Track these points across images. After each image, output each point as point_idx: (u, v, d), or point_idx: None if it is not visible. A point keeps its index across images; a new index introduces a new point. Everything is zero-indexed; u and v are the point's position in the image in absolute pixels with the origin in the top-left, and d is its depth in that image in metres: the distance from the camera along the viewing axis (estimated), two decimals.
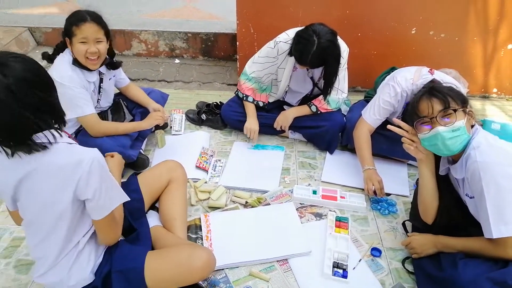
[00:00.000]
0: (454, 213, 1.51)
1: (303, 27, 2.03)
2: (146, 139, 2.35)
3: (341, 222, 1.83)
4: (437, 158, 1.55)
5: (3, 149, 1.09)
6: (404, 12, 2.68)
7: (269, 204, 1.96)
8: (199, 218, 1.86)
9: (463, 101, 1.41)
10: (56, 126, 1.15)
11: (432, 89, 1.43)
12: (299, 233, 1.79)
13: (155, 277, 1.35)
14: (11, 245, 1.74)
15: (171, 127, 2.54)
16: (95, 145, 1.89)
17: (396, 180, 2.13)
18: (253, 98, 2.35)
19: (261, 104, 2.38)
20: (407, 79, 1.99)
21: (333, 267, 1.61)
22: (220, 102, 2.68)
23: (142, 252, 1.40)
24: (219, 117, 2.55)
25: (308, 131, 2.37)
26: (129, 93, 2.30)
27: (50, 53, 1.95)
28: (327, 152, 2.36)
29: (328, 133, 2.30)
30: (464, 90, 2.02)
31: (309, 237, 1.77)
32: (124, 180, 1.73)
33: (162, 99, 2.44)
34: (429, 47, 2.79)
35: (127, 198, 1.31)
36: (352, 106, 2.46)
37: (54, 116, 1.15)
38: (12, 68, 1.03)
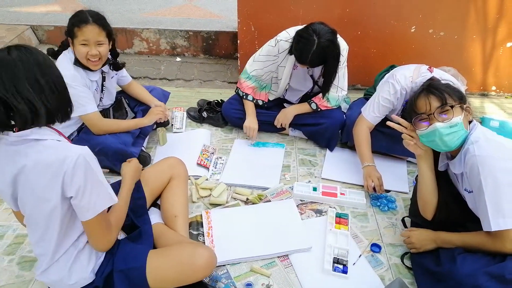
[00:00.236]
0: (453, 208, 1.53)
1: (303, 26, 2.04)
2: (147, 137, 2.37)
3: (341, 219, 1.85)
4: (436, 154, 1.57)
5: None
6: (404, 11, 2.70)
7: (270, 201, 1.98)
8: (201, 215, 1.88)
9: (460, 98, 1.43)
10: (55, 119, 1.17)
11: (430, 87, 1.46)
12: (299, 229, 1.81)
13: (157, 276, 1.36)
14: (14, 242, 1.76)
15: (172, 124, 2.56)
16: (97, 142, 1.95)
17: (395, 176, 2.15)
18: (253, 97, 2.37)
19: (260, 102, 2.40)
20: (406, 77, 2.00)
21: (334, 262, 1.64)
22: (221, 100, 2.69)
23: (144, 251, 1.41)
24: (220, 115, 2.57)
25: (308, 128, 2.39)
26: (131, 91, 2.32)
27: (55, 49, 1.96)
28: (327, 149, 2.38)
29: (328, 131, 2.32)
30: (463, 88, 2.04)
31: (310, 233, 1.79)
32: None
33: (163, 97, 2.46)
34: (429, 45, 2.81)
35: (113, 202, 1.25)
36: (351, 103, 2.48)
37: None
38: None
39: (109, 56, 2.01)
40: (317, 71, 2.26)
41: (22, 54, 1.10)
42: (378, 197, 2.01)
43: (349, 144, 2.37)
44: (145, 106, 2.33)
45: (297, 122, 2.37)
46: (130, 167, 1.56)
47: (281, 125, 2.37)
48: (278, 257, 1.70)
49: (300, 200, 2.00)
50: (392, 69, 2.32)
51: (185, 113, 2.65)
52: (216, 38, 3.44)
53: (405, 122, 1.57)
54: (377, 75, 2.47)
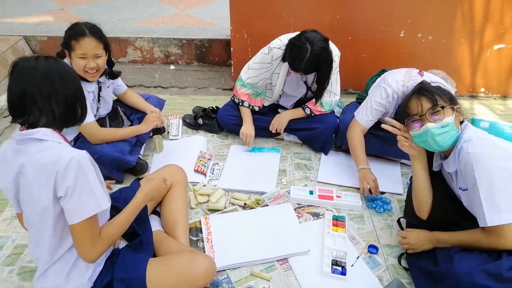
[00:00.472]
0: (448, 208, 1.57)
1: (296, 34, 2.08)
2: (144, 145, 2.39)
3: (338, 221, 1.88)
4: (430, 155, 1.61)
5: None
6: (393, 16, 2.76)
7: (267, 205, 2.01)
8: (199, 221, 1.90)
9: (451, 99, 1.48)
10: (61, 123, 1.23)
11: (421, 89, 1.51)
12: (297, 232, 1.83)
13: (157, 285, 1.37)
14: (14, 252, 1.76)
15: (168, 132, 2.58)
16: (95, 152, 1.97)
17: (389, 178, 2.19)
18: (249, 103, 2.40)
19: (256, 109, 2.44)
20: (397, 81, 2.05)
21: (332, 264, 1.66)
22: (216, 106, 2.72)
23: (143, 260, 1.42)
24: (216, 121, 2.60)
25: (303, 133, 2.43)
26: (127, 99, 2.34)
27: None
28: (322, 153, 2.41)
29: (322, 135, 2.36)
30: (452, 90, 2.09)
31: (308, 236, 1.81)
32: (126, 185, 1.77)
33: (159, 104, 2.49)
34: (418, 49, 2.88)
35: (101, 209, 1.22)
36: (344, 108, 2.52)
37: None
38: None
39: (106, 66, 2.03)
40: (311, 77, 2.31)
41: (49, 64, 1.20)
42: (373, 199, 2.05)
43: (343, 147, 2.41)
44: (141, 114, 2.35)
45: (292, 127, 2.41)
46: (148, 185, 1.50)
47: (276, 130, 2.41)
48: (277, 260, 1.72)
49: (297, 203, 2.03)
50: (383, 73, 2.37)
51: (180, 120, 2.67)
52: (209, 45, 3.48)
53: (398, 124, 1.61)
54: (368, 79, 2.52)
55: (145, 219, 1.64)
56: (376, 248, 1.78)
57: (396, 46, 2.86)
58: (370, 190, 2.00)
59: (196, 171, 2.23)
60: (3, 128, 2.69)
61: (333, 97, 2.31)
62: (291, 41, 2.05)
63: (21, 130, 1.20)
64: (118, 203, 1.51)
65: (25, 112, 1.16)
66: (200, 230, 1.86)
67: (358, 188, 2.12)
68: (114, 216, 1.38)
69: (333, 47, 2.13)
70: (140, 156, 2.29)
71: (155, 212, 1.82)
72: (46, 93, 1.17)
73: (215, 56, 3.53)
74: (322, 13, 2.76)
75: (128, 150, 2.15)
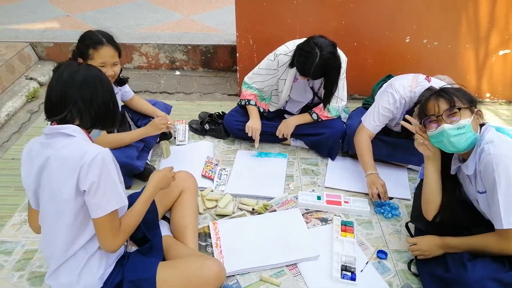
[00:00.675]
0: (457, 210, 1.57)
1: (303, 40, 2.10)
2: (151, 150, 2.40)
3: (346, 226, 1.88)
4: (447, 158, 1.60)
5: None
6: (398, 22, 2.78)
7: (275, 211, 2.01)
8: (208, 226, 1.90)
9: (470, 101, 1.47)
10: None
11: (440, 91, 1.51)
12: (306, 238, 1.83)
13: (167, 287, 1.38)
14: (23, 257, 1.76)
15: (175, 137, 2.59)
16: None
17: (397, 184, 2.19)
18: (255, 102, 2.41)
19: (261, 109, 2.44)
20: (405, 87, 2.06)
21: (342, 270, 1.66)
22: (222, 112, 2.74)
23: (154, 263, 1.43)
24: (222, 126, 2.61)
25: (309, 138, 2.43)
26: (134, 105, 2.35)
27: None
28: (329, 158, 2.42)
29: (329, 140, 2.36)
30: None
31: (316, 242, 1.81)
32: (137, 191, 1.77)
33: (166, 110, 2.50)
34: (423, 55, 2.89)
35: (123, 204, 1.29)
36: (351, 113, 2.53)
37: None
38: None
39: None
40: (317, 83, 2.32)
41: (90, 70, 1.31)
42: (381, 204, 2.05)
43: (350, 153, 2.42)
44: (148, 119, 2.35)
45: (299, 132, 2.41)
46: (157, 174, 1.56)
47: (283, 135, 2.41)
48: (286, 266, 1.72)
49: (305, 209, 2.03)
50: (389, 79, 2.38)
51: (187, 125, 2.68)
52: (215, 51, 3.50)
53: (415, 121, 1.63)
54: (374, 85, 2.53)
55: (155, 225, 1.65)
56: (385, 254, 1.78)
57: (401, 51, 2.88)
58: (379, 195, 2.00)
59: (204, 176, 2.23)
60: (11, 133, 2.71)
61: (340, 103, 2.32)
62: (300, 47, 2.06)
63: (51, 125, 1.26)
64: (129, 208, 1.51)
65: (62, 112, 1.24)
66: (208, 235, 1.86)
67: (366, 194, 2.12)
68: None
69: (340, 52, 2.14)
70: (147, 161, 2.30)
71: (164, 218, 1.82)
72: (86, 96, 1.25)
73: (220, 62, 3.55)
74: (328, 19, 2.78)
75: (136, 155, 2.16)
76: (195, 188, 1.83)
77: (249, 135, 2.38)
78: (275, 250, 1.77)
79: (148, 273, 1.38)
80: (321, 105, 2.35)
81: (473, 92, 3.06)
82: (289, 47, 2.23)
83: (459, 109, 1.43)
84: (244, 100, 2.41)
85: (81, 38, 1.88)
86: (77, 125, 1.26)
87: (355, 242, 1.81)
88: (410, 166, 2.34)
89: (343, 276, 1.64)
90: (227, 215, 1.99)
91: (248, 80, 2.41)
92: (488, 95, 3.10)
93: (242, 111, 2.48)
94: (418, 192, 1.74)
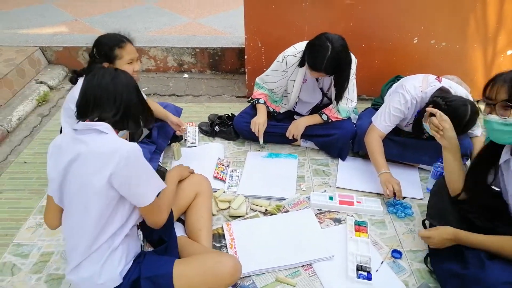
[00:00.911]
0: (482, 195, 1.56)
1: (313, 38, 2.11)
2: (163, 152, 2.42)
3: (360, 226, 1.89)
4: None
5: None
6: (406, 23, 2.79)
7: (288, 211, 2.02)
8: (222, 227, 1.92)
9: None
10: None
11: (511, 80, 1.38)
12: (320, 238, 1.84)
13: (183, 284, 1.40)
14: (40, 260, 1.78)
15: (185, 139, 2.61)
16: None
17: (408, 184, 2.19)
18: (265, 101, 2.43)
19: (271, 109, 2.46)
20: (416, 87, 2.07)
21: (357, 270, 1.67)
22: (231, 114, 2.75)
23: (170, 260, 1.45)
24: (232, 128, 2.63)
25: (320, 139, 2.45)
26: None
27: (76, 75, 1.95)
28: (339, 159, 2.43)
29: (339, 141, 2.37)
30: (469, 95, 2.11)
31: (330, 242, 1.82)
32: None
33: (176, 113, 2.51)
34: (431, 56, 2.90)
35: (164, 186, 1.41)
36: (361, 114, 2.55)
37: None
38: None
39: None
40: (327, 83, 2.33)
41: (126, 75, 1.39)
42: (394, 204, 2.05)
43: (360, 153, 2.43)
44: (160, 122, 2.37)
45: (309, 133, 2.43)
46: (171, 172, 1.72)
47: (293, 136, 2.43)
48: (301, 266, 1.73)
49: (318, 209, 2.04)
50: (397, 79, 2.40)
51: (197, 127, 2.70)
52: (222, 54, 3.52)
53: (435, 110, 1.68)
54: (383, 86, 2.55)
55: (171, 226, 1.66)
56: (400, 253, 1.79)
57: (409, 52, 2.89)
58: (394, 194, 2.00)
59: (216, 177, 2.25)
60: (23, 137, 2.73)
61: (350, 104, 2.33)
62: (311, 42, 2.06)
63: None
64: None
65: (94, 112, 1.31)
66: (223, 236, 1.87)
67: (378, 194, 2.13)
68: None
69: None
70: (159, 163, 2.31)
71: (179, 220, 1.84)
72: (123, 100, 1.33)
73: (228, 64, 3.57)
74: (336, 20, 2.79)
75: (149, 157, 2.18)
76: (209, 191, 1.85)
77: (253, 130, 2.39)
78: (289, 250, 1.78)
79: (164, 269, 1.40)
80: (331, 106, 2.37)
81: (480, 92, 3.04)
82: (297, 48, 2.25)
83: None
84: (255, 99, 2.43)
85: (98, 43, 1.89)
86: (109, 123, 1.32)
87: (369, 242, 1.81)
88: (421, 165, 2.35)
89: (359, 276, 1.64)
90: (240, 216, 2.00)
91: (260, 81, 2.43)
92: None
93: (252, 112, 2.49)
94: (434, 190, 1.75)
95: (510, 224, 1.46)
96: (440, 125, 1.65)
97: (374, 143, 2.16)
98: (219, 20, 4.29)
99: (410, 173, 2.31)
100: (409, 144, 2.27)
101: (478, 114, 1.91)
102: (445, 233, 1.55)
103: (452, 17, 2.75)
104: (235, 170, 2.33)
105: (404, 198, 2.08)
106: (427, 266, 1.71)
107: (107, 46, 1.87)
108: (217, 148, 2.54)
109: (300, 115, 2.54)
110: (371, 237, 1.87)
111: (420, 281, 1.65)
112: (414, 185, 2.21)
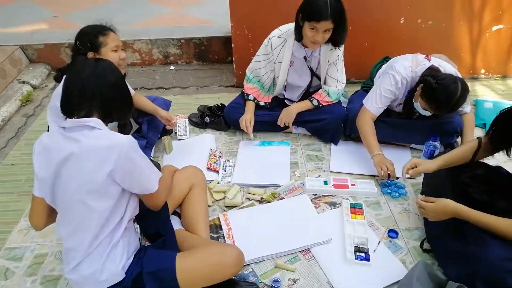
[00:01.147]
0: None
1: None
2: (154, 146, 2.38)
3: (355, 209, 1.90)
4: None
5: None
6: (392, 3, 2.77)
7: (284, 198, 2.02)
8: (218, 218, 1.91)
9: None
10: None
11: None
12: (317, 222, 1.85)
13: (187, 277, 1.39)
14: (34, 262, 1.75)
15: (176, 132, 2.58)
16: None
17: (401, 163, 2.13)
18: (254, 97, 2.41)
19: (262, 104, 2.44)
20: (406, 67, 2.07)
21: (355, 251, 1.68)
22: (221, 104, 2.72)
23: (172, 254, 1.44)
24: (222, 118, 2.60)
25: (311, 125, 2.44)
26: (135, 103, 2.31)
27: (61, 73, 1.89)
28: (332, 143, 2.43)
29: (331, 125, 2.37)
30: (458, 73, 2.11)
31: (327, 226, 1.83)
32: None
33: (165, 106, 2.47)
34: (418, 35, 2.89)
35: (160, 174, 1.40)
36: (351, 97, 2.54)
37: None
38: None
39: None
40: (315, 61, 2.30)
41: (107, 65, 1.33)
42: (388, 184, 2.06)
43: (352, 136, 2.42)
44: (149, 117, 2.33)
45: (300, 120, 2.41)
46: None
47: (285, 123, 2.41)
48: (300, 251, 1.73)
49: (313, 194, 2.04)
50: (386, 61, 2.39)
51: (187, 119, 2.67)
52: (208, 44, 3.47)
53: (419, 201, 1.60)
54: (372, 67, 2.54)
55: (167, 220, 1.64)
56: (396, 233, 1.80)
57: (396, 33, 2.88)
58: (388, 174, 2.01)
59: (209, 169, 2.23)
60: (8, 139, 2.67)
61: (339, 86, 2.33)
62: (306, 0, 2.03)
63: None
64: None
65: (81, 107, 1.26)
66: (219, 227, 1.86)
67: (371, 175, 2.14)
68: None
69: None
70: (151, 157, 2.28)
71: (175, 213, 1.82)
72: (106, 90, 1.28)
73: (215, 54, 3.52)
74: None
75: None
76: (204, 183, 1.83)
77: (242, 127, 2.38)
78: (287, 236, 1.77)
79: (167, 263, 1.39)
80: (321, 90, 2.36)
81: (468, 69, 3.10)
82: (282, 30, 2.24)
83: None
84: (245, 94, 2.42)
85: (81, 34, 1.85)
86: (97, 117, 1.28)
87: (365, 223, 1.82)
88: (412, 145, 2.36)
89: (357, 257, 1.65)
90: (236, 206, 1.99)
91: (249, 72, 2.40)
92: (483, 71, 3.12)
93: (242, 102, 2.47)
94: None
95: (508, 199, 1.47)
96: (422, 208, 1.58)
97: (366, 125, 2.16)
98: (202, 9, 4.21)
99: (402, 153, 2.32)
100: (400, 125, 2.27)
101: (468, 91, 1.91)
102: (444, 206, 1.50)
103: None
104: (228, 160, 2.31)
105: (397, 178, 2.09)
106: (423, 250, 1.71)
107: (91, 35, 1.82)
108: (209, 139, 2.51)
109: (291, 102, 2.52)
110: (367, 218, 1.88)
111: (417, 259, 1.67)
112: None
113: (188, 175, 1.76)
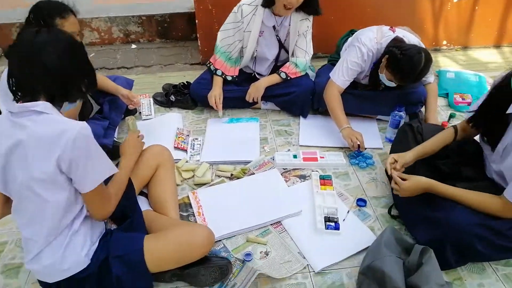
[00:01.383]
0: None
1: None
2: (117, 127, 2.29)
3: (325, 180, 1.91)
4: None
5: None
6: None
7: (254, 174, 2.00)
8: (187, 196, 1.87)
9: None
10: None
11: None
12: (287, 195, 1.85)
13: (156, 258, 1.35)
14: None
15: (140, 112, 2.49)
16: None
17: (368, 135, 2.21)
18: (222, 72, 2.35)
19: (229, 78, 2.38)
20: (371, 39, 2.07)
21: (325, 221, 1.70)
22: (186, 82, 2.64)
23: (139, 236, 1.39)
24: (189, 96, 2.53)
25: (280, 99, 2.41)
26: None
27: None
28: (301, 117, 2.42)
29: (299, 98, 2.35)
30: (422, 44, 2.14)
31: (298, 198, 1.83)
32: None
33: (127, 85, 2.37)
34: (382, 8, 2.91)
35: (114, 171, 1.26)
36: (319, 70, 2.53)
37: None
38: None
39: None
40: (284, 31, 2.27)
41: (53, 35, 1.15)
42: (356, 155, 2.09)
43: (320, 110, 2.42)
44: (110, 96, 2.23)
45: (269, 94, 2.38)
46: (124, 144, 1.60)
47: (253, 99, 2.38)
48: (271, 224, 1.73)
49: (283, 168, 2.04)
50: (352, 33, 2.39)
51: (151, 99, 2.58)
52: (171, 20, 3.34)
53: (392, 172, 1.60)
54: (338, 40, 2.53)
55: (134, 201, 1.58)
56: (364, 201, 1.83)
57: (361, 5, 2.88)
58: (358, 146, 2.03)
59: (176, 148, 2.17)
60: None
61: (307, 56, 2.32)
62: None
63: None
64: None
65: (24, 90, 1.13)
66: (189, 205, 1.83)
67: (340, 147, 2.16)
68: None
69: None
70: (115, 139, 2.20)
71: (142, 193, 1.76)
72: (54, 64, 1.11)
73: (178, 31, 3.40)
74: None
75: (102, 133, 2.06)
76: (171, 161, 1.78)
77: (211, 104, 2.33)
78: (258, 211, 1.77)
79: (134, 245, 1.34)
80: (288, 63, 2.33)
81: (430, 41, 3.16)
82: None
83: None
84: (214, 67, 2.35)
85: (36, 7, 1.68)
86: (47, 100, 1.14)
87: (335, 194, 1.84)
88: (379, 116, 2.39)
89: (327, 227, 1.67)
90: (206, 184, 1.96)
91: (218, 42, 2.32)
92: (444, 42, 3.19)
93: (209, 78, 2.41)
94: (397, 139, 1.79)
95: (474, 169, 1.51)
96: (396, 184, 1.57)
97: (333, 99, 2.16)
98: None
99: (369, 124, 2.35)
100: (367, 97, 2.29)
101: (432, 61, 1.94)
102: (417, 183, 1.52)
103: None
104: (196, 139, 2.26)
105: (365, 149, 2.12)
106: (391, 216, 1.76)
107: (47, 12, 1.67)
108: (175, 118, 2.44)
109: (261, 75, 2.48)
110: (336, 189, 1.90)
111: (385, 226, 1.71)
112: (373, 135, 2.26)
113: (154, 154, 1.70)
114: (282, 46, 2.34)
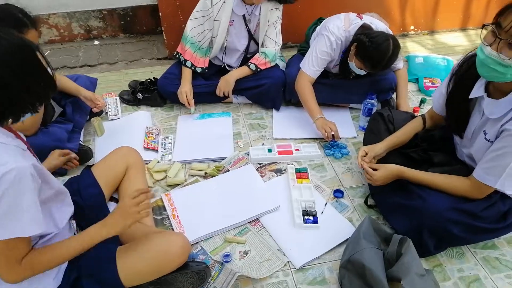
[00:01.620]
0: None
1: None
2: (83, 130, 2.18)
3: (301, 173, 1.89)
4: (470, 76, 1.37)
5: None
6: None
7: (229, 171, 1.95)
8: (161, 199, 1.80)
9: None
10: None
11: None
12: (264, 191, 1.81)
13: (131, 273, 1.27)
14: None
15: (106, 112, 2.37)
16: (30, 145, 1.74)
17: (342, 124, 2.20)
18: (192, 63, 2.26)
19: (199, 70, 2.30)
20: (339, 27, 2.04)
21: (303, 215, 1.67)
22: (154, 78, 2.54)
23: (111, 249, 1.30)
24: (157, 93, 2.43)
25: (251, 92, 2.36)
26: None
27: None
28: (274, 109, 2.38)
29: (271, 90, 2.31)
30: (389, 30, 2.13)
31: (275, 193, 1.80)
32: (77, 174, 1.61)
33: (91, 84, 2.25)
34: None
35: (20, 235, 1.01)
36: (288, 61, 2.49)
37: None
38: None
39: None
40: (254, 22, 2.22)
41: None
42: (330, 146, 2.08)
43: (292, 101, 2.39)
44: (73, 98, 2.10)
45: (240, 87, 2.32)
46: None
47: (224, 93, 2.31)
48: (249, 222, 1.69)
49: (258, 163, 2.00)
50: (320, 22, 2.35)
51: (117, 98, 2.47)
52: (134, 14, 3.20)
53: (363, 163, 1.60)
54: (307, 29, 2.49)
55: (103, 208, 1.51)
56: (342, 192, 1.82)
57: None
58: (333, 136, 2.01)
59: (146, 148, 2.09)
60: None
61: (277, 47, 2.28)
62: None
63: None
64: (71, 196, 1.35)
65: None
66: (163, 208, 1.76)
67: (314, 139, 2.14)
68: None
69: None
70: (80, 142, 2.08)
71: (112, 199, 1.68)
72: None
73: (142, 25, 3.26)
74: None
75: (66, 137, 1.94)
76: (140, 162, 1.70)
77: (181, 101, 2.25)
78: (234, 209, 1.72)
79: (107, 262, 1.25)
80: (257, 54, 2.29)
81: (398, 26, 3.17)
82: None
83: None
84: (183, 58, 2.25)
85: None
86: None
87: (311, 186, 1.82)
88: (351, 105, 2.39)
89: (305, 221, 1.65)
90: (179, 184, 1.89)
91: (187, 31, 2.22)
92: (412, 27, 3.22)
93: (177, 72, 2.32)
94: (369, 128, 1.78)
95: (444, 154, 1.52)
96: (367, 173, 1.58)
97: (305, 89, 2.13)
98: None
99: (342, 114, 2.34)
100: (338, 86, 2.28)
101: (400, 47, 1.94)
102: (388, 171, 1.53)
103: None
104: (167, 137, 2.18)
105: (340, 138, 2.10)
106: (368, 206, 1.76)
107: (4, 23, 1.51)
108: (144, 116, 2.34)
109: (231, 67, 2.41)
110: (313, 181, 1.88)
111: (363, 216, 1.71)
112: (347, 124, 2.25)
113: (121, 156, 1.62)
114: (252, 37, 2.27)
